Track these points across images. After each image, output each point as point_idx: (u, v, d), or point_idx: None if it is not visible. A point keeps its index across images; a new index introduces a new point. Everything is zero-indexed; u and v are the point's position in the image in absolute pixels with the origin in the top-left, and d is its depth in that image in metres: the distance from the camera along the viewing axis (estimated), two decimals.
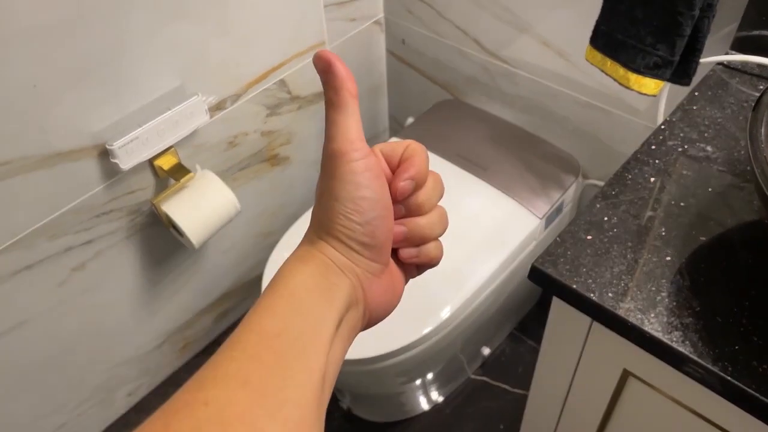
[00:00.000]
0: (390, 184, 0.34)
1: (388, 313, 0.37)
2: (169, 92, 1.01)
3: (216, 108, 1.10)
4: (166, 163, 1.05)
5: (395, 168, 0.35)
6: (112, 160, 0.95)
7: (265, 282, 1.04)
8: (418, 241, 0.36)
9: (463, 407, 1.33)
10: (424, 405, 1.33)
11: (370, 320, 0.35)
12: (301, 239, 0.35)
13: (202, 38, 1.02)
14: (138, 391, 1.35)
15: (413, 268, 0.38)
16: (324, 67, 0.33)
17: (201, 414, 0.24)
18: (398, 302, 0.37)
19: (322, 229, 0.33)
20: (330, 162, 0.33)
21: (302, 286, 0.30)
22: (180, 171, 1.05)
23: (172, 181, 1.07)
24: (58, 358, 1.10)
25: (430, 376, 1.25)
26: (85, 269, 1.06)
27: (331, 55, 0.32)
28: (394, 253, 0.36)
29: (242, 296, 1.46)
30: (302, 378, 0.27)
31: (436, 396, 1.33)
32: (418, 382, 1.24)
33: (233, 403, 0.24)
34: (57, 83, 0.86)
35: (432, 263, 0.37)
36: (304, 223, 1.13)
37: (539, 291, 1.38)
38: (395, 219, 0.35)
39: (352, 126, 0.33)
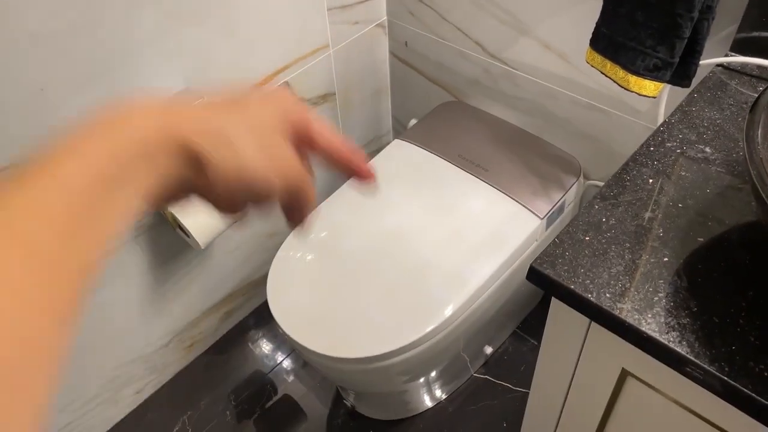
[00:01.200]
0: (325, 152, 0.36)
1: None
2: (175, 95, 1.02)
3: None
4: None
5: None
6: None
7: (271, 282, 1.05)
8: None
9: (465, 405, 1.34)
10: (428, 403, 1.34)
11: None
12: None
13: (208, 41, 1.03)
14: (145, 390, 1.36)
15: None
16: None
17: None
18: None
19: (200, 128, 0.30)
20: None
21: (132, 145, 0.27)
22: None
23: None
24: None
25: (433, 374, 1.26)
26: None
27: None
28: None
29: (248, 296, 1.47)
30: (86, 248, 0.25)
31: (440, 394, 1.34)
32: (421, 380, 1.26)
33: (4, 263, 0.22)
34: (64, 87, 0.88)
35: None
36: None
37: (541, 291, 1.39)
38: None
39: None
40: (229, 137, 0.30)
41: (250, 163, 0.31)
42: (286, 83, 1.21)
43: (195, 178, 0.30)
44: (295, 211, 0.36)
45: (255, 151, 0.31)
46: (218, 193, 0.31)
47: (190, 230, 1.05)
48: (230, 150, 0.30)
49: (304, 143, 0.35)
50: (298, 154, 0.34)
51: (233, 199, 0.32)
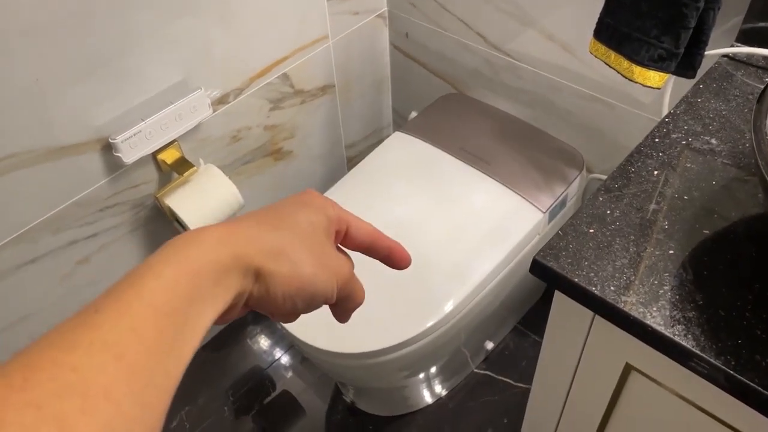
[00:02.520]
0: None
1: None
2: (172, 86, 1.01)
3: (219, 102, 1.10)
4: (169, 157, 1.05)
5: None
6: (116, 154, 0.95)
7: None
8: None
9: (466, 401, 1.33)
10: (428, 398, 1.33)
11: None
12: None
13: (206, 32, 1.02)
14: None
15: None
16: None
17: (65, 379, 0.23)
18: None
19: (268, 247, 0.32)
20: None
21: (207, 271, 0.29)
22: (183, 165, 1.05)
23: (176, 175, 1.07)
24: None
25: (433, 369, 1.25)
26: (90, 263, 1.06)
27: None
28: None
29: None
30: (172, 365, 0.27)
31: (440, 390, 1.34)
32: (421, 375, 1.25)
33: (102, 375, 0.23)
34: (60, 77, 0.86)
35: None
36: None
37: (543, 286, 1.38)
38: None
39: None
40: (286, 252, 0.32)
41: (309, 274, 0.33)
42: (285, 74, 1.20)
43: (257, 292, 0.32)
44: (345, 309, 0.38)
45: (310, 261, 0.33)
46: (278, 304, 0.32)
47: (187, 223, 1.04)
48: (289, 264, 0.32)
49: (345, 241, 0.38)
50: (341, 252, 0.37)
51: (293, 309, 0.33)
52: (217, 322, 0.31)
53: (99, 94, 0.92)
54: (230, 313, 0.32)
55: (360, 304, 0.38)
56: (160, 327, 0.26)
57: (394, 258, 0.40)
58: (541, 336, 0.73)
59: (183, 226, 1.08)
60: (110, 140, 0.95)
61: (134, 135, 0.95)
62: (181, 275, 0.28)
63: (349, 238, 0.38)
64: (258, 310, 0.33)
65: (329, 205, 0.37)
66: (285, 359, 1.44)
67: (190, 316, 0.28)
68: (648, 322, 0.55)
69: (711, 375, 0.53)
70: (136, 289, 0.27)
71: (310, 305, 0.34)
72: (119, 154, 0.95)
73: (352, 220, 0.38)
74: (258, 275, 0.31)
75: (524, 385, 1.34)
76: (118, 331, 0.25)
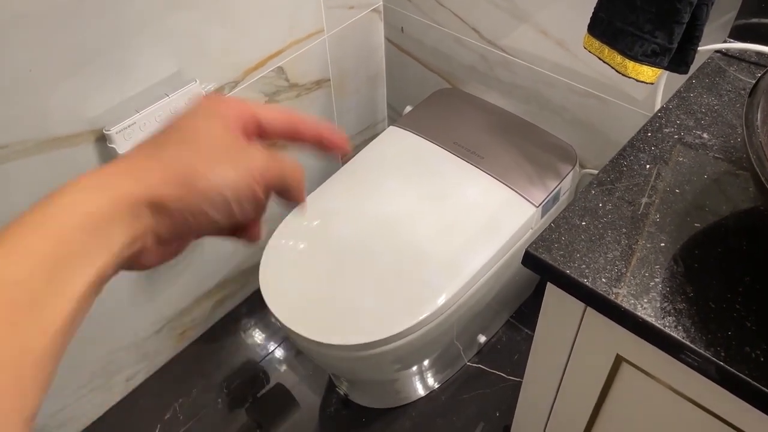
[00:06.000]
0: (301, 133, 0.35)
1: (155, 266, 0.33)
2: (167, 78, 1.01)
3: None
4: None
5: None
6: (110, 145, 0.95)
7: (264, 270, 1.04)
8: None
9: (458, 394, 1.34)
10: (421, 391, 1.33)
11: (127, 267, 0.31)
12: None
13: (201, 24, 1.01)
14: (136, 377, 1.35)
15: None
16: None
17: None
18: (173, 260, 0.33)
19: (158, 176, 0.29)
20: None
21: (75, 226, 0.26)
22: None
23: None
24: None
25: (426, 362, 1.25)
26: None
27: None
28: None
29: (240, 283, 1.46)
30: (32, 337, 0.24)
31: (433, 383, 1.34)
32: (414, 368, 1.25)
33: None
34: (53, 68, 0.86)
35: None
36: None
37: (536, 280, 1.39)
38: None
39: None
40: (176, 171, 0.29)
41: (212, 181, 0.30)
42: (280, 68, 1.19)
43: (163, 224, 0.29)
44: (288, 193, 0.35)
45: (209, 166, 0.30)
46: (194, 224, 0.30)
47: None
48: (182, 182, 0.29)
49: (260, 131, 0.34)
50: (260, 143, 0.34)
51: (214, 224, 0.31)
52: (132, 269, 0.29)
53: (93, 85, 0.92)
54: (145, 257, 0.30)
55: (300, 179, 0.34)
56: (10, 300, 0.24)
57: (325, 141, 0.36)
58: (534, 329, 0.73)
59: None
60: (105, 131, 0.94)
61: (129, 126, 0.95)
62: (39, 240, 0.25)
63: (265, 130, 0.34)
64: (185, 240, 0.32)
65: (222, 103, 0.33)
66: (279, 352, 1.44)
67: (54, 282, 0.25)
68: (639, 313, 0.55)
69: (701, 366, 0.53)
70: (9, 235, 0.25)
71: (232, 211, 0.31)
72: (113, 146, 0.95)
73: (259, 110, 0.34)
74: (154, 208, 0.29)
75: (516, 379, 1.35)
76: None
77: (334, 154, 0.37)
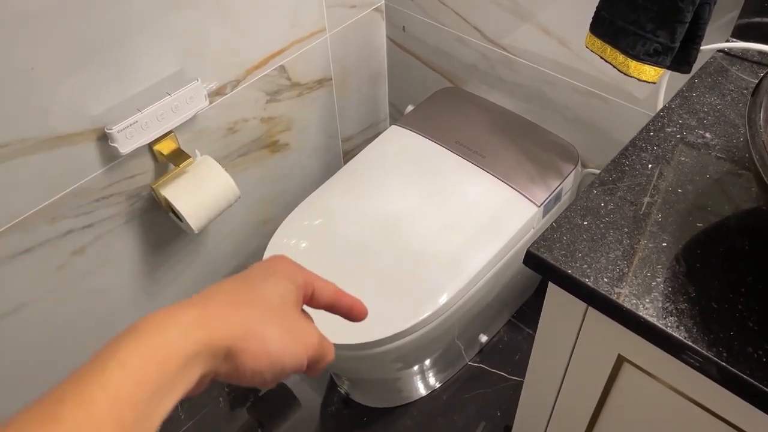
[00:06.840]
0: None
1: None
2: (169, 77, 1.01)
3: (216, 93, 1.10)
4: (165, 147, 1.05)
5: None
6: (112, 144, 0.95)
7: None
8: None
9: (459, 393, 1.34)
10: (422, 391, 1.33)
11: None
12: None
13: (203, 23, 1.01)
14: None
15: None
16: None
17: None
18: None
19: (239, 328, 0.33)
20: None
21: (178, 357, 0.29)
22: (179, 156, 1.05)
23: (172, 166, 1.07)
24: (56, 342, 1.11)
25: (427, 362, 1.25)
26: (85, 253, 1.06)
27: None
28: None
29: None
30: None
31: (434, 382, 1.34)
32: (415, 368, 1.25)
33: None
34: (56, 66, 0.86)
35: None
36: (301, 210, 1.13)
37: (537, 280, 1.39)
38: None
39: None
40: (255, 330, 0.33)
41: (278, 350, 0.34)
42: (282, 66, 1.19)
43: (226, 370, 0.32)
44: (316, 369, 0.39)
45: (279, 337, 0.34)
46: (248, 379, 0.33)
47: (183, 214, 1.04)
48: (259, 342, 0.33)
49: (310, 301, 0.40)
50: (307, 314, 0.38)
51: (262, 382, 0.34)
52: (187, 396, 0.32)
53: (95, 83, 0.92)
54: (195, 391, 0.32)
55: (330, 362, 0.39)
56: (122, 421, 0.26)
57: (353, 314, 0.42)
58: (535, 329, 0.73)
59: (179, 217, 1.08)
60: (106, 130, 0.94)
61: (130, 125, 0.95)
62: (148, 364, 0.28)
63: (314, 299, 0.39)
64: (226, 381, 0.34)
65: (297, 271, 0.38)
66: None
67: (153, 404, 0.28)
68: (640, 313, 0.55)
69: (703, 367, 0.53)
70: (100, 378, 0.27)
71: (281, 376, 0.35)
72: (115, 145, 0.95)
73: (317, 282, 0.39)
74: (227, 355, 0.32)
75: (517, 378, 1.35)
76: (80, 428, 0.25)
77: (355, 321, 0.43)
